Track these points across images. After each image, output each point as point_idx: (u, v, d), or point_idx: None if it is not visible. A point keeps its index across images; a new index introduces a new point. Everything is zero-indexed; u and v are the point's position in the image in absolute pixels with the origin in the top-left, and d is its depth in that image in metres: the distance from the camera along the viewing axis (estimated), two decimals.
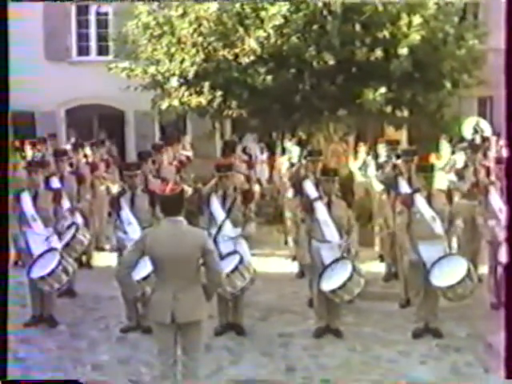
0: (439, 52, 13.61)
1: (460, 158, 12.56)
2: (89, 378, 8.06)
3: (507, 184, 7.62)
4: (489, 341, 8.67)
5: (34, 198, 9.88)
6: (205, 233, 7.14)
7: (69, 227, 10.48)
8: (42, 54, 21.36)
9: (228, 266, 8.79)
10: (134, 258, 6.65)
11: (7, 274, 6.10)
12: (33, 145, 16.13)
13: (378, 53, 13.02)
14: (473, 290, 8.85)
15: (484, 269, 10.51)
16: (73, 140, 17.69)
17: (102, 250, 12.51)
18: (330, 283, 8.93)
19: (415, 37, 13.01)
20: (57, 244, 9.79)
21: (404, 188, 10.69)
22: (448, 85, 13.95)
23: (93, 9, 21.93)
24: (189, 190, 11.61)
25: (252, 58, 13.38)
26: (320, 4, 13.41)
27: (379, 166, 12.96)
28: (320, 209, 9.30)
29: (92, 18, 22.23)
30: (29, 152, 15.82)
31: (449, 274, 8.78)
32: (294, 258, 12.60)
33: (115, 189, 13.03)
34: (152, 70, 14.63)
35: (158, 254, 6.52)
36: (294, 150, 14.14)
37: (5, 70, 5.40)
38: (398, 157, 12.24)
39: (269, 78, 13.19)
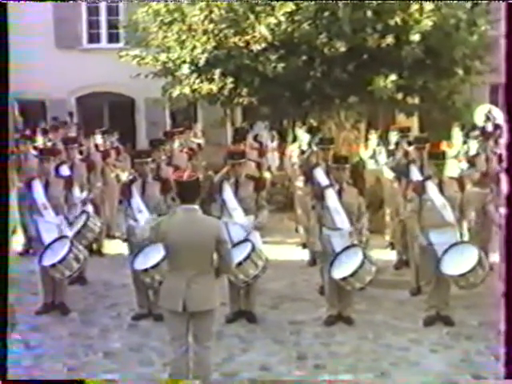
0: (451, 38, 13.51)
1: (472, 146, 12.51)
2: (100, 365, 8.11)
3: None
4: (500, 329, 8.64)
5: (46, 186, 9.90)
6: (220, 222, 7.16)
7: (80, 215, 10.50)
8: (52, 42, 21.38)
9: (240, 254, 8.79)
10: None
11: (7, 274, 6.12)
12: (44, 132, 16.15)
13: (390, 39, 12.93)
14: (484, 279, 8.83)
15: (495, 257, 10.46)
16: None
17: (113, 237, 12.52)
18: (341, 271, 8.93)
19: (427, 23, 12.91)
20: (68, 232, 9.82)
21: (415, 175, 10.66)
22: (460, 72, 13.87)
23: None
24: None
25: (263, 45, 13.32)
26: None
27: (390, 153, 12.94)
28: (331, 196, 9.28)
29: (102, 5, 22.21)
30: (40, 140, 15.83)
31: (460, 262, 8.76)
32: (305, 246, 12.61)
33: (125, 176, 13.04)
34: (163, 57, 14.59)
35: (173, 241, 6.54)
36: (304, 138, 14.10)
37: (5, 68, 5.39)
38: (409, 143, 12.22)
39: (280, 65, 13.14)
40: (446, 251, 8.89)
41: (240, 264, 8.69)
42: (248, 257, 8.91)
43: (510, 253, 7.06)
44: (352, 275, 8.84)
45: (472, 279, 8.77)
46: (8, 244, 7.04)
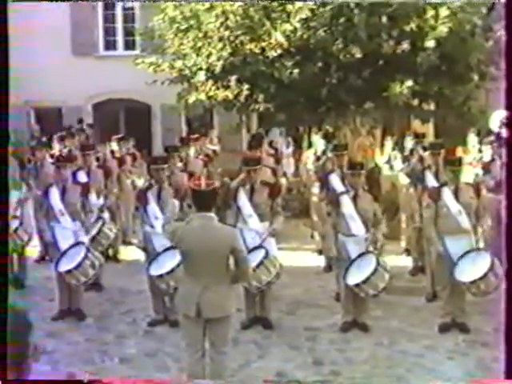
0: (466, 44, 13.50)
1: (487, 152, 12.47)
2: (116, 370, 8.14)
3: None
4: None
5: (62, 193, 9.95)
6: (235, 231, 7.18)
7: (95, 221, 10.54)
8: (68, 49, 21.46)
9: (254, 260, 8.78)
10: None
11: (6, 276, 6.16)
12: (61, 139, 16.23)
13: (405, 46, 12.95)
14: (498, 286, 8.74)
15: None
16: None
17: (129, 243, 12.55)
18: (354, 277, 8.93)
19: (442, 29, 12.91)
20: (84, 238, 9.86)
21: (431, 181, 10.65)
22: (475, 77, 13.85)
23: (119, 3, 21.94)
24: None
25: (279, 51, 13.37)
26: None
27: (405, 159, 12.93)
28: (346, 203, 9.28)
29: (119, 12, 22.28)
30: (56, 146, 15.91)
31: (473, 268, 8.74)
32: (320, 252, 12.60)
33: (141, 183, 13.09)
34: (179, 64, 14.66)
35: (188, 248, 6.60)
36: (319, 144, 14.12)
37: (5, 70, 5.43)
38: (424, 149, 12.20)
39: (295, 71, 13.17)
40: (460, 258, 8.87)
41: (253, 270, 8.70)
42: (261, 263, 8.92)
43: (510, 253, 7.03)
44: (365, 282, 8.84)
45: (483, 286, 8.72)
46: (7, 243, 7.07)
